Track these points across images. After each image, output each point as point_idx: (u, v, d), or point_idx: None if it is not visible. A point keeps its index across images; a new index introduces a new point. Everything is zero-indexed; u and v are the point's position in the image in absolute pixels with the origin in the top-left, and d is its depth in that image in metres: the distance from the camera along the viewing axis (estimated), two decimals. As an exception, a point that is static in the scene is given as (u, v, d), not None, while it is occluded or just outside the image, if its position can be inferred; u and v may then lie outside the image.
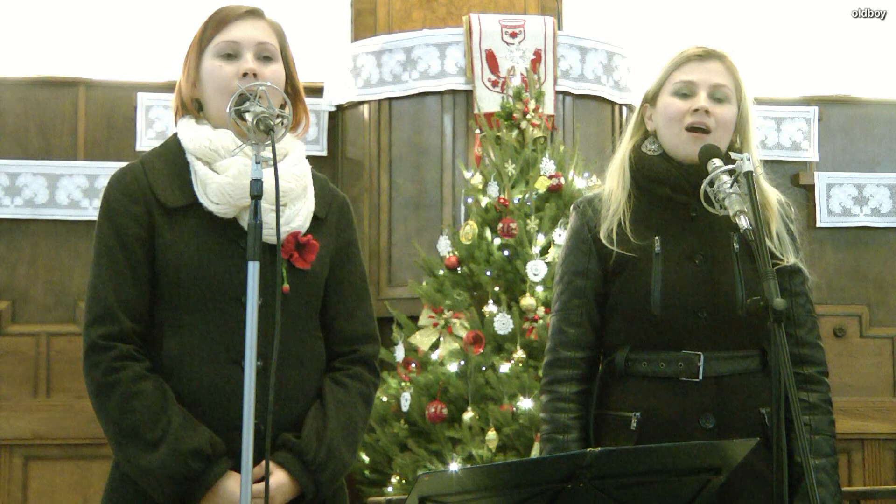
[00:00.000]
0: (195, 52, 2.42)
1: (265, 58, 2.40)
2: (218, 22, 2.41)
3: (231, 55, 2.39)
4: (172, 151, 2.42)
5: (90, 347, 2.31)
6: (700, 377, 2.55)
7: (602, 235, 2.64)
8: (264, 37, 2.42)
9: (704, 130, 2.60)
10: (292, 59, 2.49)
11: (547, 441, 2.65)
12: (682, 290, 2.57)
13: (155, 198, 2.35)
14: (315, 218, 2.43)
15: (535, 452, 4.10)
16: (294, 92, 2.47)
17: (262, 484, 2.17)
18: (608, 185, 2.71)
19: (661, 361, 2.57)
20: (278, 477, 2.29)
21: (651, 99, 2.70)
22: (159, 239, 2.34)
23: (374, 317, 2.56)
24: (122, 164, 2.50)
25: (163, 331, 2.33)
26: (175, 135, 2.45)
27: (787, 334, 2.59)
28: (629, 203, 2.65)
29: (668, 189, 2.63)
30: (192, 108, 2.43)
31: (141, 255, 2.34)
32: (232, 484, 2.26)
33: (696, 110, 2.60)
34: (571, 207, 2.76)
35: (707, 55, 2.65)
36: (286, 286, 2.31)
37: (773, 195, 2.68)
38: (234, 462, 2.27)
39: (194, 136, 2.38)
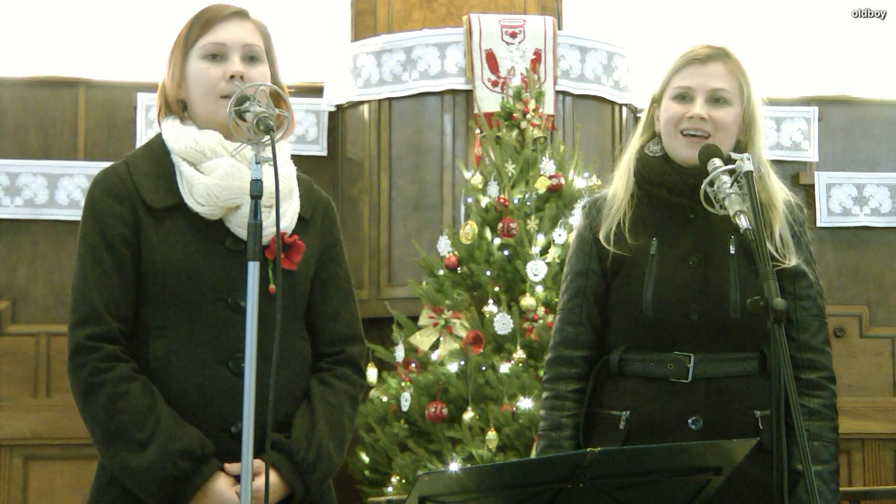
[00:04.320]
0: (180, 52, 2.41)
1: (251, 59, 2.39)
2: (204, 22, 2.40)
3: (217, 56, 2.38)
4: (157, 152, 2.41)
5: (76, 348, 2.31)
6: (689, 378, 2.55)
7: (601, 235, 2.65)
8: (251, 38, 2.40)
9: (701, 136, 2.59)
10: (276, 59, 2.48)
11: (542, 438, 2.69)
12: (673, 291, 2.57)
13: (140, 198, 2.34)
14: (300, 219, 2.43)
15: (534, 452, 4.10)
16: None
17: (254, 483, 2.16)
18: (614, 185, 2.71)
19: (652, 362, 2.58)
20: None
21: (658, 100, 2.70)
22: (145, 240, 2.33)
23: (359, 317, 2.54)
24: (120, 165, 2.49)
25: (149, 332, 2.32)
26: (159, 135, 2.43)
27: (791, 338, 2.58)
28: (631, 203, 2.66)
29: (665, 191, 2.63)
30: (177, 108, 2.42)
31: (126, 255, 2.33)
32: (221, 484, 2.26)
33: (691, 117, 2.60)
34: (579, 207, 2.77)
35: (708, 57, 2.62)
36: (272, 287, 2.30)
37: (780, 196, 2.65)
38: (221, 463, 2.27)
39: (179, 137, 2.37)
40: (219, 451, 2.27)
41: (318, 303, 2.47)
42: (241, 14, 2.43)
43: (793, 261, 2.60)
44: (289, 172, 2.42)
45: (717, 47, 2.65)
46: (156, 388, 2.28)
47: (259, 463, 2.21)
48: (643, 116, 2.75)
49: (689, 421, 2.54)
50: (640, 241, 2.61)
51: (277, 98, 2.38)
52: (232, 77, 2.34)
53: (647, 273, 2.58)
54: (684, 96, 2.62)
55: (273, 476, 2.29)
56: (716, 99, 2.61)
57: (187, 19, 2.43)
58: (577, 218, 2.76)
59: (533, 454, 4.08)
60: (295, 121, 2.32)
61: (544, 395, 2.71)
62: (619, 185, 2.69)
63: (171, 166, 2.37)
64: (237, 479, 2.19)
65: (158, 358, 2.30)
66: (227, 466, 2.27)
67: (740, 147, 2.63)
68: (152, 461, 2.22)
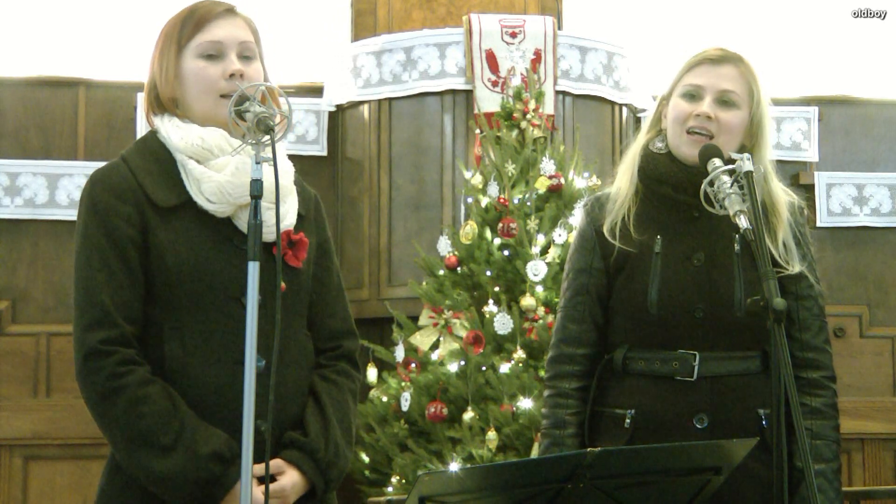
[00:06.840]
0: (174, 51, 2.39)
1: (246, 57, 2.39)
2: (197, 21, 2.39)
3: (214, 55, 2.37)
4: (155, 150, 2.37)
5: (89, 353, 2.25)
6: (694, 377, 2.55)
7: (605, 229, 2.65)
8: (244, 35, 2.40)
9: (705, 135, 2.59)
10: (264, 55, 2.47)
11: (545, 436, 2.68)
12: (678, 290, 2.57)
13: (146, 197, 2.31)
14: (299, 216, 2.43)
15: (535, 452, 4.10)
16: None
17: (274, 484, 2.20)
18: (617, 180, 2.71)
19: (657, 360, 2.58)
20: (291, 476, 2.29)
21: (667, 97, 2.70)
22: (154, 240, 2.30)
23: (350, 312, 2.55)
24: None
25: (162, 333, 2.29)
26: (153, 133, 2.40)
27: (793, 338, 2.60)
28: (635, 200, 2.66)
29: (670, 189, 2.63)
30: (170, 105, 2.39)
31: (134, 256, 2.29)
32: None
33: (698, 115, 2.60)
34: (581, 206, 2.77)
35: (721, 59, 2.63)
36: (283, 284, 2.29)
37: (783, 201, 2.65)
38: None
39: (184, 136, 2.34)
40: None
41: (315, 298, 2.46)
42: (231, 10, 2.43)
43: (796, 268, 2.60)
44: (288, 169, 2.41)
45: (731, 52, 2.66)
46: (174, 391, 2.25)
47: (279, 462, 2.25)
48: (650, 113, 2.75)
49: (695, 419, 2.54)
50: (645, 238, 2.61)
51: (272, 97, 2.37)
52: (231, 76, 2.34)
53: (651, 271, 2.59)
54: (693, 95, 2.62)
55: (296, 474, 2.30)
56: (724, 100, 2.61)
57: (174, 16, 2.42)
58: (577, 217, 2.76)
59: (535, 452, 4.08)
60: (292, 119, 2.31)
61: (546, 392, 2.71)
62: (623, 181, 2.69)
63: (173, 164, 2.34)
64: (260, 479, 2.18)
65: (175, 359, 2.27)
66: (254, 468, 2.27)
67: (744, 152, 2.61)
68: (181, 465, 2.20)
